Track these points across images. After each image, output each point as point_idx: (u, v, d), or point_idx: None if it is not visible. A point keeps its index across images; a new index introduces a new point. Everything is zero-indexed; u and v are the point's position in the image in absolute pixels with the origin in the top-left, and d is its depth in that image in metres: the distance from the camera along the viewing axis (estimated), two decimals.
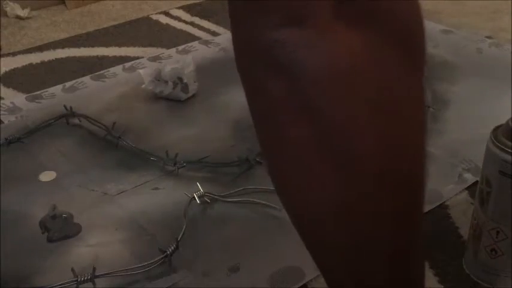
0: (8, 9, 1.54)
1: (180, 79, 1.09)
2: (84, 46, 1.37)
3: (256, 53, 0.39)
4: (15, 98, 1.14)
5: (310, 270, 0.71)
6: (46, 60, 1.30)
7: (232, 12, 0.41)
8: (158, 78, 1.10)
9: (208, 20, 1.48)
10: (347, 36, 0.37)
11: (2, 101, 1.12)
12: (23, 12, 1.54)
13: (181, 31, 1.43)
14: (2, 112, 1.08)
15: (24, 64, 1.28)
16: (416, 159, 0.43)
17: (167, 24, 1.47)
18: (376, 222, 0.42)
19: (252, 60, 0.40)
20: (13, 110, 1.09)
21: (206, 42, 1.34)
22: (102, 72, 1.23)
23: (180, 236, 0.74)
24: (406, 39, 0.39)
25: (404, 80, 0.40)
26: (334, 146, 0.39)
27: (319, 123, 0.39)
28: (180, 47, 1.32)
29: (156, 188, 0.88)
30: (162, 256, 0.72)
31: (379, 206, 0.41)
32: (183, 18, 1.51)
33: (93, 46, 1.37)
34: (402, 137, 0.41)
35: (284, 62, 0.38)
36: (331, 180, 0.40)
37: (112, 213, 0.83)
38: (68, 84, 1.18)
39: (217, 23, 1.45)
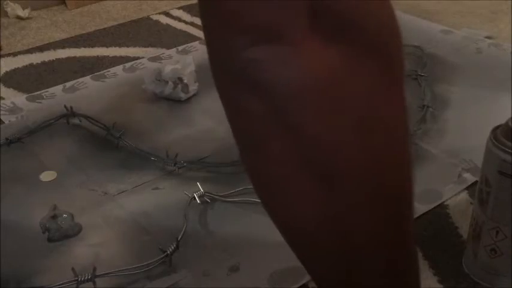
0: (8, 9, 1.54)
1: (180, 79, 1.09)
2: (85, 46, 1.37)
3: (232, 72, 0.39)
4: (15, 98, 1.14)
5: None
6: (46, 60, 1.30)
7: (205, 32, 0.40)
8: (158, 78, 1.10)
9: None
10: (322, 51, 0.37)
11: (2, 101, 1.12)
12: (23, 13, 1.54)
13: (181, 31, 1.43)
14: (2, 112, 1.08)
15: (25, 64, 1.29)
16: (400, 168, 0.42)
17: (167, 25, 1.48)
18: (365, 230, 0.42)
19: (229, 80, 0.39)
20: (13, 110, 1.10)
21: None
22: (102, 72, 1.23)
23: (180, 236, 0.74)
24: (383, 49, 0.39)
25: (384, 91, 0.40)
26: (317, 160, 0.39)
27: (300, 139, 0.38)
28: (180, 47, 1.32)
29: (156, 188, 0.88)
30: (162, 256, 0.72)
31: (366, 215, 0.41)
32: (183, 18, 1.51)
33: (93, 46, 1.37)
34: (384, 147, 0.40)
35: (260, 81, 0.37)
36: (317, 194, 0.40)
37: (112, 213, 0.83)
38: (68, 84, 1.18)
39: None
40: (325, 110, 0.38)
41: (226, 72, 0.39)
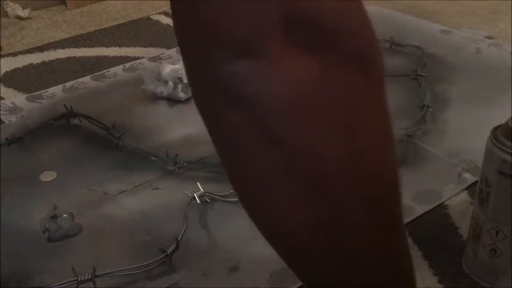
0: (8, 9, 1.54)
1: (180, 79, 1.09)
2: (85, 46, 1.37)
3: (212, 87, 0.38)
4: (15, 98, 1.14)
5: None
6: (46, 60, 1.30)
7: (181, 46, 0.40)
8: (158, 78, 1.10)
9: None
10: (301, 62, 0.37)
11: (2, 101, 1.12)
12: (23, 13, 1.54)
13: None
14: (2, 112, 1.08)
15: (25, 64, 1.29)
16: (387, 170, 0.43)
17: (167, 25, 1.48)
18: (359, 233, 0.42)
19: (209, 95, 0.39)
20: (13, 110, 1.10)
21: None
22: (102, 72, 1.23)
23: (180, 236, 0.74)
24: (360, 55, 0.39)
25: (364, 96, 0.40)
26: (302, 170, 0.39)
27: (284, 151, 0.38)
28: None
29: (156, 188, 0.88)
30: (162, 256, 0.72)
31: (358, 219, 0.41)
32: None
33: (93, 46, 1.37)
34: (370, 151, 0.40)
35: (240, 95, 0.37)
36: (304, 204, 0.40)
37: (112, 213, 0.83)
38: (68, 84, 1.18)
39: None
40: (308, 120, 0.38)
41: (205, 87, 0.39)
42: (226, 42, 0.36)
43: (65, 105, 1.04)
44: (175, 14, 0.39)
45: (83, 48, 1.36)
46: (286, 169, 0.39)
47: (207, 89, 0.39)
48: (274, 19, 0.36)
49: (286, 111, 0.37)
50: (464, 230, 0.76)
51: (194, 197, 0.82)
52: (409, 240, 0.76)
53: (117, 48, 1.36)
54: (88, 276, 0.69)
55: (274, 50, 0.36)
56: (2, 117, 1.07)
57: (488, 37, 1.31)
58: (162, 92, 1.09)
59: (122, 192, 0.87)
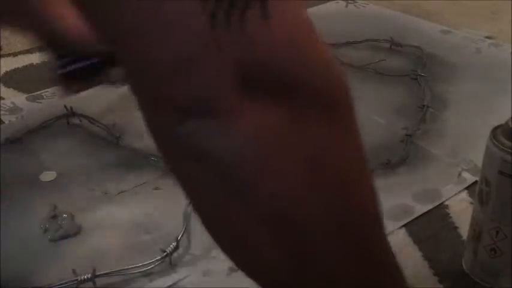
0: None
1: None
2: None
3: (173, 145, 0.38)
4: (15, 98, 1.14)
5: None
6: (46, 60, 1.30)
7: (139, 104, 0.39)
8: None
9: None
10: (259, 113, 0.36)
11: (2, 101, 1.12)
12: None
13: None
14: (2, 112, 1.08)
15: (25, 64, 1.29)
16: (361, 207, 0.42)
17: None
18: (339, 272, 0.42)
19: (171, 152, 0.39)
20: (13, 110, 1.10)
21: None
22: None
23: (180, 236, 0.74)
24: (324, 99, 0.38)
25: (331, 139, 0.39)
26: (276, 217, 0.39)
27: (255, 200, 0.38)
28: None
29: (156, 188, 0.88)
30: (163, 255, 0.72)
31: (336, 257, 0.41)
32: None
33: None
34: (343, 191, 0.40)
35: (202, 152, 0.37)
36: (280, 249, 0.40)
37: (112, 213, 0.83)
38: None
39: None
40: (276, 168, 0.37)
41: (166, 144, 0.39)
42: (181, 101, 0.36)
43: (65, 105, 1.04)
44: (126, 74, 0.39)
45: None
46: (259, 216, 0.39)
47: (168, 147, 0.39)
48: (226, 74, 0.35)
49: (251, 163, 0.37)
50: (464, 230, 0.76)
51: None
52: (409, 240, 0.76)
53: None
54: (88, 276, 0.69)
55: (229, 105, 0.35)
56: (2, 117, 1.07)
57: (488, 37, 1.31)
58: None
59: (122, 192, 0.87)
